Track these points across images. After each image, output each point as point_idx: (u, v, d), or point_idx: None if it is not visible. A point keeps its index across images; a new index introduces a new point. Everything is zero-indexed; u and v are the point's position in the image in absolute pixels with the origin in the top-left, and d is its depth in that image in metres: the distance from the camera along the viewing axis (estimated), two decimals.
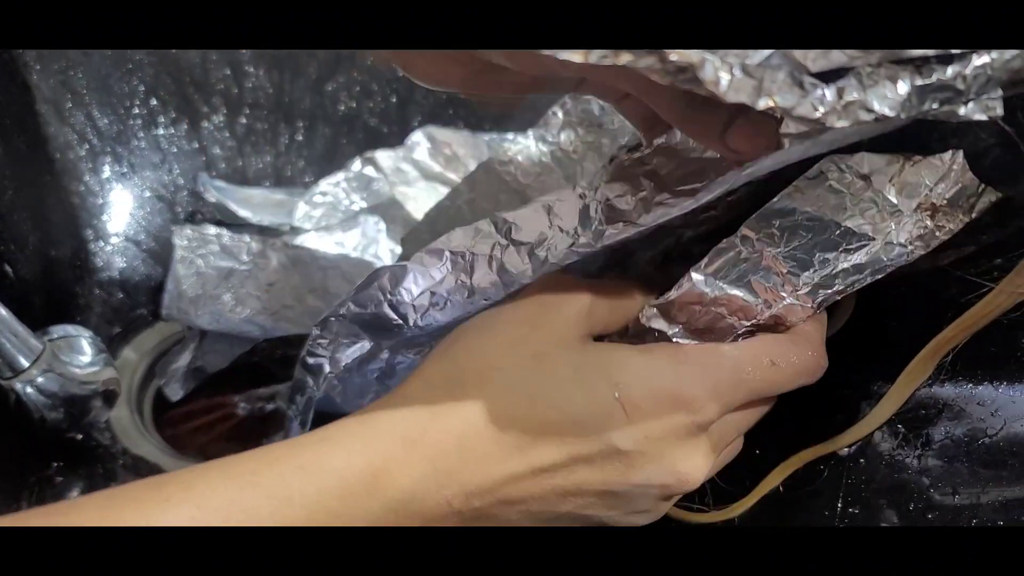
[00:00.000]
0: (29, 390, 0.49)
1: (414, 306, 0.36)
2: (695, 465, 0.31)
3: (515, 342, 0.32)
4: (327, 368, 0.39)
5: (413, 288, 0.35)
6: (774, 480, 0.37)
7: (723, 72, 0.23)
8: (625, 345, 0.33)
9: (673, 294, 0.32)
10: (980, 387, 0.35)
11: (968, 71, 0.26)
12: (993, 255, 0.34)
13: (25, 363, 0.48)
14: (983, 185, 0.31)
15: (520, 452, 0.30)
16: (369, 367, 0.41)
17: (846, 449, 0.36)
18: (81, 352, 0.53)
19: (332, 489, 0.28)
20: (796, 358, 0.32)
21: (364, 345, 0.39)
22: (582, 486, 0.31)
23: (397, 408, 0.31)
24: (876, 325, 0.39)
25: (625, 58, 0.21)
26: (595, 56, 0.21)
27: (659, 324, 0.33)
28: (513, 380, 0.31)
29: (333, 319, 0.39)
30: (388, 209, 0.66)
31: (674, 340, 0.33)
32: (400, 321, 0.37)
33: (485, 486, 0.30)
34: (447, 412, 0.30)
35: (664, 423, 0.30)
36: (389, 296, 0.36)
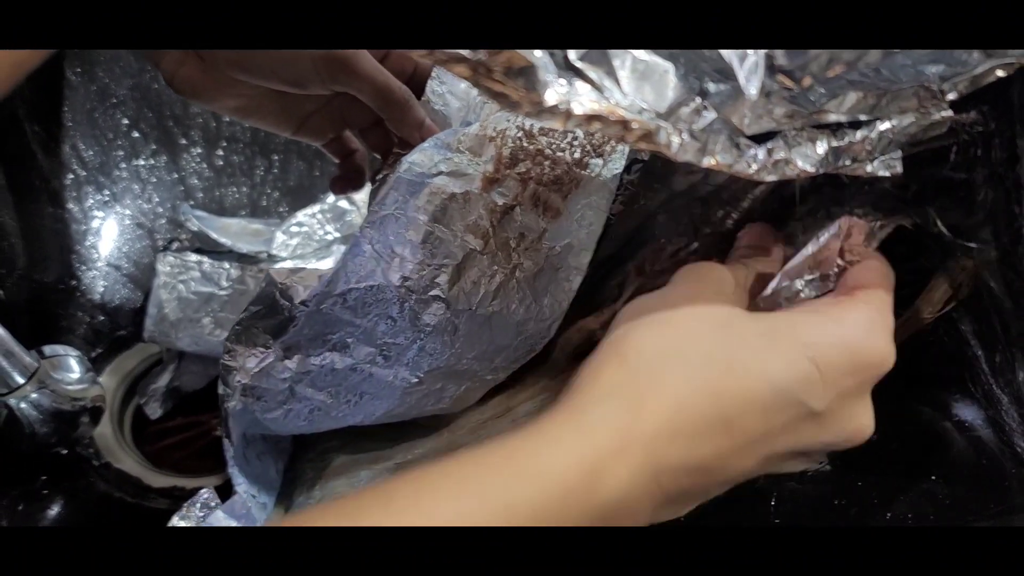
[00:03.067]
0: (23, 406, 0.52)
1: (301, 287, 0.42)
2: (870, 417, 0.32)
3: (695, 319, 0.32)
4: (238, 377, 0.43)
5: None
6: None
7: (674, 136, 0.28)
8: (794, 310, 0.34)
9: (802, 256, 0.35)
10: (887, 406, 0.40)
11: (873, 135, 0.31)
12: (902, 287, 0.39)
13: (20, 380, 0.51)
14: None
15: (726, 426, 0.30)
16: (278, 375, 0.44)
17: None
18: (70, 370, 0.55)
19: (553, 491, 0.28)
20: (891, 276, 0.35)
21: (269, 355, 0.43)
22: (778, 450, 0.31)
23: (605, 401, 0.30)
24: None
25: (596, 125, 0.26)
26: (572, 123, 0.26)
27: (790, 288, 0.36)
28: (708, 353, 0.30)
29: (239, 327, 0.44)
30: None
31: (802, 296, 0.35)
32: (287, 303, 0.42)
33: (693, 464, 0.30)
34: (653, 396, 0.30)
35: (856, 379, 0.31)
36: (280, 286, 0.42)
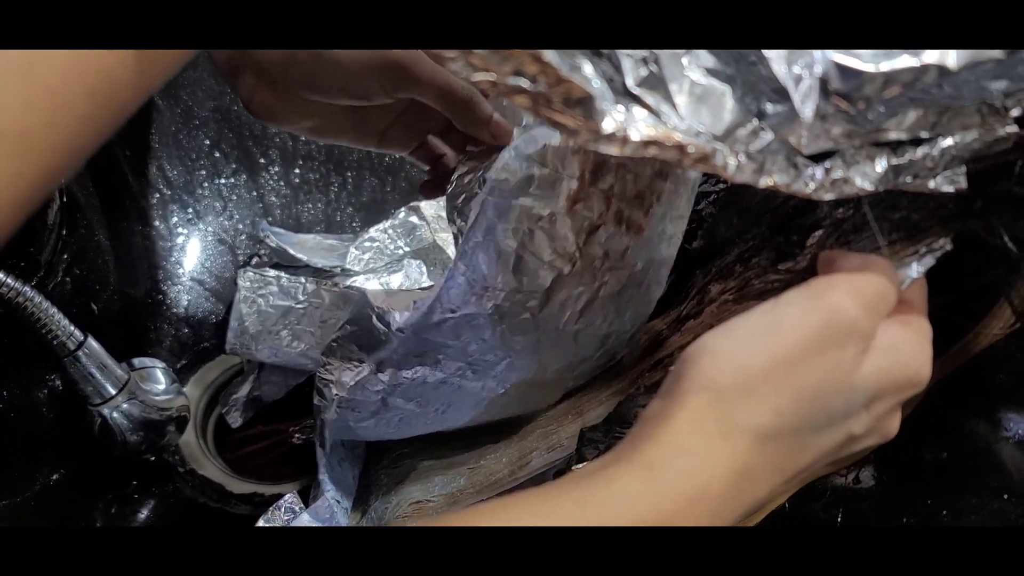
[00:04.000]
0: (115, 415, 0.55)
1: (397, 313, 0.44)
2: (897, 422, 0.34)
3: (790, 379, 0.31)
4: (334, 390, 0.45)
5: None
6: (780, 497, 0.41)
7: (731, 158, 0.28)
8: (878, 354, 0.32)
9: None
10: (963, 415, 0.40)
11: (935, 151, 0.31)
12: (972, 300, 0.39)
13: (112, 391, 0.54)
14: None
15: (781, 472, 0.32)
16: (372, 387, 0.46)
17: (844, 469, 0.40)
18: (157, 381, 0.59)
19: None
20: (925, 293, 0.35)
21: (363, 368, 0.45)
22: (818, 469, 0.33)
23: (674, 454, 0.30)
24: None
25: (653, 150, 0.27)
26: (629, 149, 0.27)
27: None
28: (787, 419, 0.31)
29: (334, 343, 0.46)
30: (430, 253, 0.72)
31: None
32: (383, 327, 0.44)
33: (752, 506, 0.32)
34: (726, 461, 0.30)
35: (893, 401, 0.33)
36: (376, 310, 0.44)
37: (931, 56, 0.27)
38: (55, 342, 0.51)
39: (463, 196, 0.45)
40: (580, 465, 0.45)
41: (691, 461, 0.30)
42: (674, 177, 0.42)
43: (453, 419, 0.49)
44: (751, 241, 0.44)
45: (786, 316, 0.31)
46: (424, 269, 0.72)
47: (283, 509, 0.50)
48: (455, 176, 0.47)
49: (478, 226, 0.42)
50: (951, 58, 0.27)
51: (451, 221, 0.45)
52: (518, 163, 0.41)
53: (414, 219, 0.72)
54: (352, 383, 0.46)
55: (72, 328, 0.52)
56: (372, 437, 0.51)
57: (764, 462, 0.31)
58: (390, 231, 0.72)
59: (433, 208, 0.73)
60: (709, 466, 0.30)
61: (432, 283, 0.71)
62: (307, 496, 0.53)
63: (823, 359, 0.31)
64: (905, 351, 0.32)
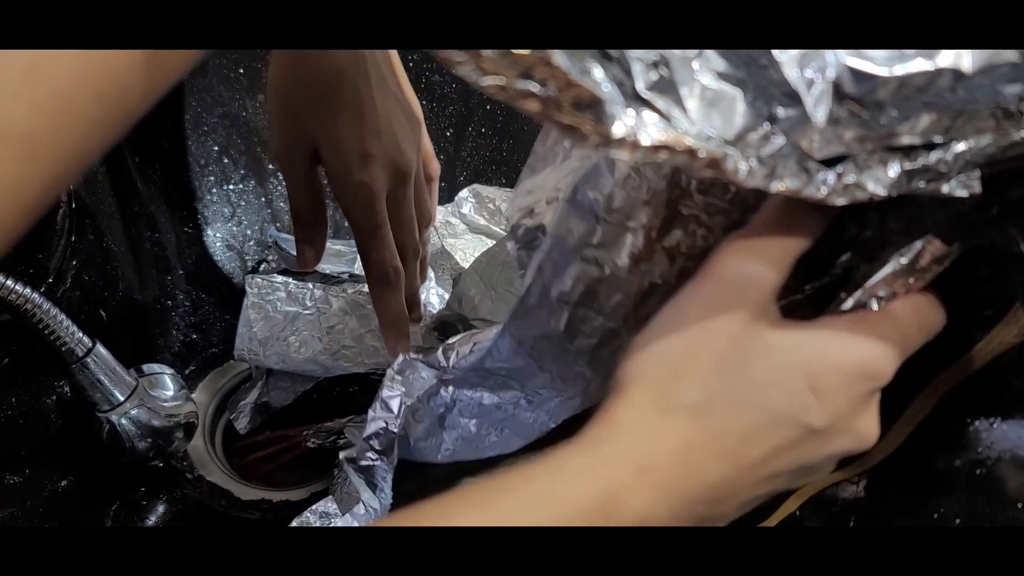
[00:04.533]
0: (123, 422, 0.55)
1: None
2: (873, 425, 0.33)
3: (706, 353, 0.32)
4: (406, 401, 0.46)
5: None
6: (791, 505, 0.41)
7: (742, 163, 0.28)
8: (813, 328, 0.33)
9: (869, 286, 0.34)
10: (976, 422, 0.39)
11: (949, 156, 0.31)
12: (984, 307, 0.39)
13: (121, 397, 0.54)
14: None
15: (731, 456, 0.32)
16: (436, 402, 0.47)
17: (856, 477, 0.40)
18: (166, 388, 0.59)
19: (568, 517, 0.30)
20: (933, 319, 0.35)
21: (430, 379, 0.46)
22: (783, 468, 0.33)
23: (619, 433, 0.32)
24: None
25: (663, 155, 0.27)
26: (639, 154, 0.26)
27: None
28: (714, 393, 0.32)
29: (403, 361, 0.47)
30: (437, 259, 0.72)
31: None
32: (444, 363, 0.47)
33: (704, 495, 0.32)
34: (663, 434, 0.32)
35: (851, 395, 0.32)
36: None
37: (945, 59, 0.27)
38: (64, 348, 0.51)
39: (525, 228, 0.44)
40: None
41: (633, 437, 0.32)
42: None
43: (506, 445, 0.50)
44: None
45: (685, 293, 0.34)
46: (432, 274, 0.72)
47: (318, 513, 0.51)
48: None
49: (533, 289, 0.41)
50: (966, 61, 0.27)
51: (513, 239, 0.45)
52: (580, 218, 0.39)
53: None
54: (420, 392, 0.48)
55: (80, 334, 0.52)
56: (428, 457, 0.52)
57: (706, 439, 0.32)
58: None
59: (440, 214, 0.73)
60: (650, 440, 0.31)
61: (442, 290, 0.71)
62: (311, 503, 0.53)
63: (726, 319, 0.32)
64: (857, 343, 0.32)
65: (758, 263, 0.33)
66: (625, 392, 0.33)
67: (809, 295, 0.37)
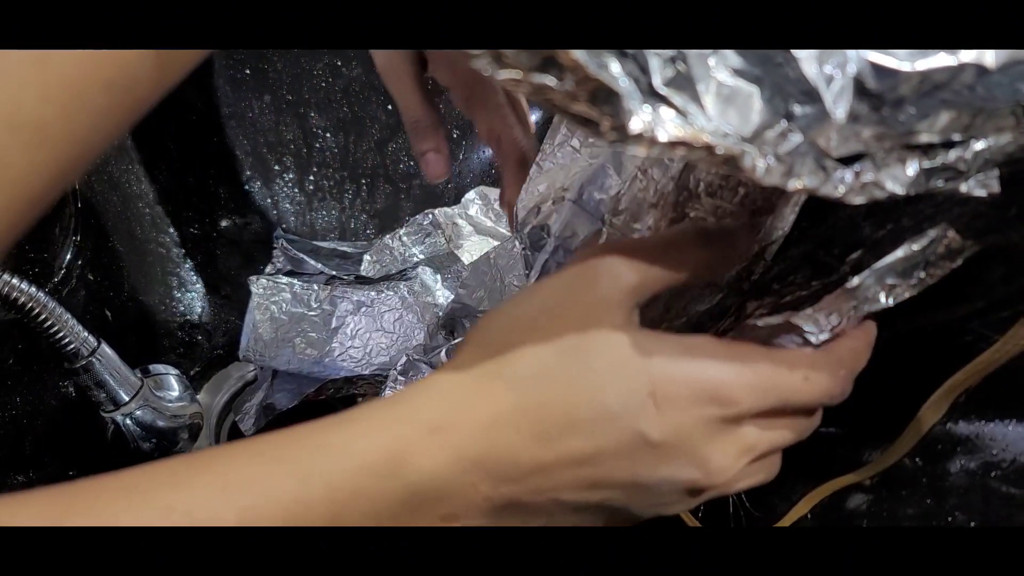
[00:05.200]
0: (128, 422, 0.55)
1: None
2: (725, 462, 0.31)
3: (550, 332, 0.31)
4: None
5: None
6: (803, 508, 0.40)
7: (759, 160, 0.28)
8: (669, 336, 0.32)
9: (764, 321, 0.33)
10: (991, 424, 0.39)
11: (968, 154, 0.30)
12: (1000, 309, 0.38)
13: (126, 397, 0.54)
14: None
15: (548, 442, 0.30)
16: None
17: (869, 480, 0.40)
18: (171, 388, 0.58)
19: (353, 469, 0.28)
20: (824, 380, 0.32)
21: None
22: (612, 476, 0.30)
23: (424, 393, 0.31)
24: (896, 369, 0.43)
25: (680, 151, 0.26)
26: (656, 150, 0.26)
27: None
28: (546, 370, 0.30)
29: (406, 361, 0.46)
30: (444, 261, 0.72)
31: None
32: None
33: (512, 474, 0.30)
34: (474, 399, 0.30)
35: (695, 415, 0.30)
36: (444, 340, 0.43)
37: (969, 55, 0.27)
38: (69, 348, 0.51)
39: (531, 226, 0.43)
40: None
41: (436, 397, 0.30)
42: (757, 232, 0.40)
43: None
44: (791, 260, 0.44)
45: (553, 276, 0.32)
46: (438, 277, 0.71)
47: None
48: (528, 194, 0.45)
49: None
50: (989, 57, 0.27)
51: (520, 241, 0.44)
52: (585, 215, 0.38)
53: (428, 227, 0.72)
54: None
55: (86, 334, 0.52)
56: None
57: (520, 416, 0.30)
58: (404, 238, 0.72)
59: (447, 216, 0.73)
60: (455, 400, 0.30)
61: (448, 291, 0.71)
62: None
63: (580, 304, 0.31)
64: (712, 363, 0.30)
65: (629, 268, 0.31)
66: (457, 352, 0.32)
67: (816, 290, 0.37)
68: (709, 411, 0.30)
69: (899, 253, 0.34)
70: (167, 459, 0.28)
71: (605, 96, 0.25)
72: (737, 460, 0.31)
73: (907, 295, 0.34)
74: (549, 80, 0.25)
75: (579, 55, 0.24)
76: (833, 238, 0.37)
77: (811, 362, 0.32)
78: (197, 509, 0.27)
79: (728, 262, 0.34)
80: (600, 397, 0.30)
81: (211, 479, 0.27)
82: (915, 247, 0.34)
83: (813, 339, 0.33)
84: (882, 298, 0.34)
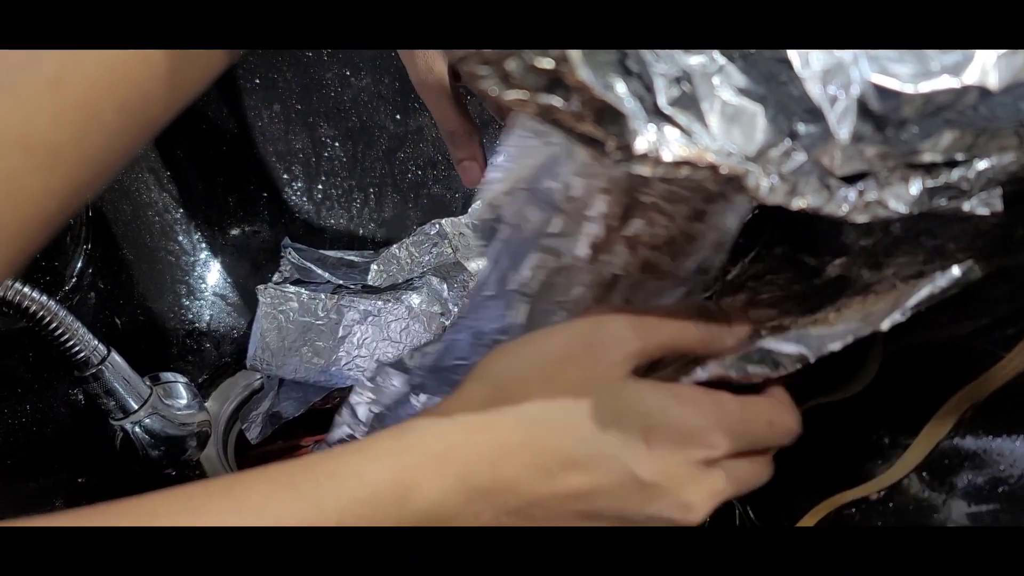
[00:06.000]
0: (137, 430, 0.55)
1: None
2: (701, 501, 0.33)
3: (558, 379, 0.33)
4: (373, 409, 0.46)
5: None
6: (809, 522, 0.41)
7: (763, 179, 0.28)
8: (662, 386, 0.34)
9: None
10: (999, 440, 0.39)
11: (971, 174, 0.30)
12: (1006, 326, 0.38)
13: (135, 405, 0.54)
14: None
15: (549, 479, 0.32)
16: (405, 410, 0.46)
17: (876, 494, 0.40)
18: (179, 396, 0.59)
19: (362, 497, 0.30)
20: (787, 421, 0.36)
21: (402, 387, 0.46)
22: (601, 512, 0.33)
23: (433, 424, 0.32)
24: (903, 384, 0.43)
25: (685, 171, 0.27)
26: (661, 169, 0.26)
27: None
28: (551, 414, 0.32)
29: (376, 368, 0.48)
30: (451, 271, 0.72)
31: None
32: (409, 364, 0.46)
33: (513, 506, 0.32)
34: (481, 433, 0.32)
35: (683, 458, 0.33)
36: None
37: (972, 76, 0.27)
38: (79, 356, 0.52)
39: (485, 222, 0.44)
40: None
41: (445, 427, 0.32)
42: (712, 221, 0.40)
43: None
44: (773, 259, 0.44)
45: (564, 327, 0.34)
46: (445, 286, 0.71)
47: None
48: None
49: (490, 279, 0.41)
50: (992, 78, 0.27)
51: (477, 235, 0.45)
52: (537, 207, 0.39)
53: (436, 236, 0.72)
54: (390, 401, 0.47)
55: (96, 342, 0.52)
56: None
57: (526, 451, 0.32)
58: (412, 248, 0.72)
59: (454, 226, 0.73)
60: (464, 433, 0.32)
61: (452, 301, 0.71)
62: None
63: (588, 358, 0.33)
64: (690, 397, 0.33)
65: (635, 335, 0.34)
66: (463, 387, 0.34)
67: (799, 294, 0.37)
68: (695, 454, 0.33)
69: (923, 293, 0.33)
70: (184, 485, 0.30)
71: (611, 116, 0.26)
72: (711, 499, 0.34)
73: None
74: (555, 100, 0.25)
75: (585, 75, 0.25)
76: (818, 241, 0.37)
77: (773, 409, 0.35)
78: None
79: (723, 341, 0.36)
80: (599, 438, 0.32)
81: (226, 505, 0.29)
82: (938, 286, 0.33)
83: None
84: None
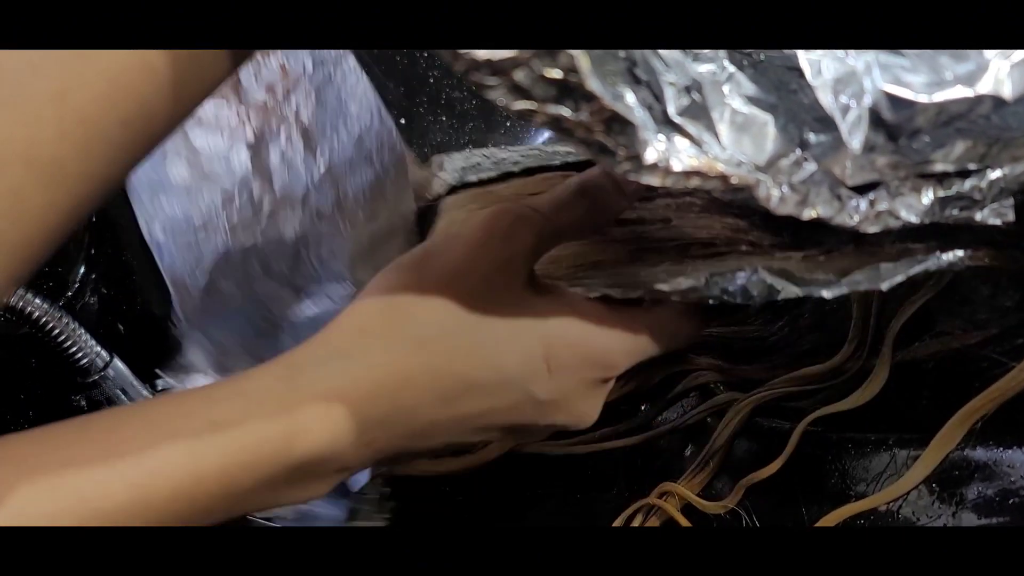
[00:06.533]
0: None
1: None
2: (595, 409, 0.35)
3: (455, 294, 0.31)
4: None
5: None
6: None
7: (774, 190, 0.28)
8: (563, 300, 0.34)
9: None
10: (1009, 451, 0.38)
11: (983, 184, 0.30)
12: (1015, 336, 0.38)
13: None
14: None
15: (446, 403, 0.31)
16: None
17: (884, 506, 0.39)
18: None
19: (248, 446, 0.29)
20: (687, 329, 0.36)
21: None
22: (495, 424, 0.33)
23: (327, 362, 0.30)
24: (912, 395, 0.42)
25: (695, 181, 0.26)
26: (671, 180, 0.26)
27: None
28: (451, 334, 0.31)
29: None
30: None
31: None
32: None
33: (409, 431, 0.32)
34: (384, 364, 0.31)
35: (581, 377, 0.33)
36: None
37: (986, 86, 0.27)
38: (82, 362, 0.51)
39: None
40: None
41: (338, 363, 0.30)
42: None
43: None
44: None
45: (457, 228, 0.33)
46: None
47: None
48: None
49: None
50: (1007, 88, 0.27)
51: None
52: None
53: None
54: None
55: (99, 348, 0.52)
56: None
57: (427, 377, 0.31)
58: None
59: None
60: (359, 368, 0.30)
61: None
62: None
63: (486, 265, 0.32)
64: (594, 315, 0.33)
65: (526, 230, 0.32)
66: (359, 306, 0.32)
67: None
68: (594, 373, 0.34)
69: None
70: (56, 424, 0.29)
71: (620, 126, 0.25)
72: (598, 408, 0.35)
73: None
74: (565, 111, 0.25)
75: (594, 86, 0.24)
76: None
77: (673, 319, 0.35)
78: (86, 485, 0.27)
79: (609, 210, 0.35)
80: (499, 362, 0.32)
81: (102, 451, 0.27)
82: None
83: None
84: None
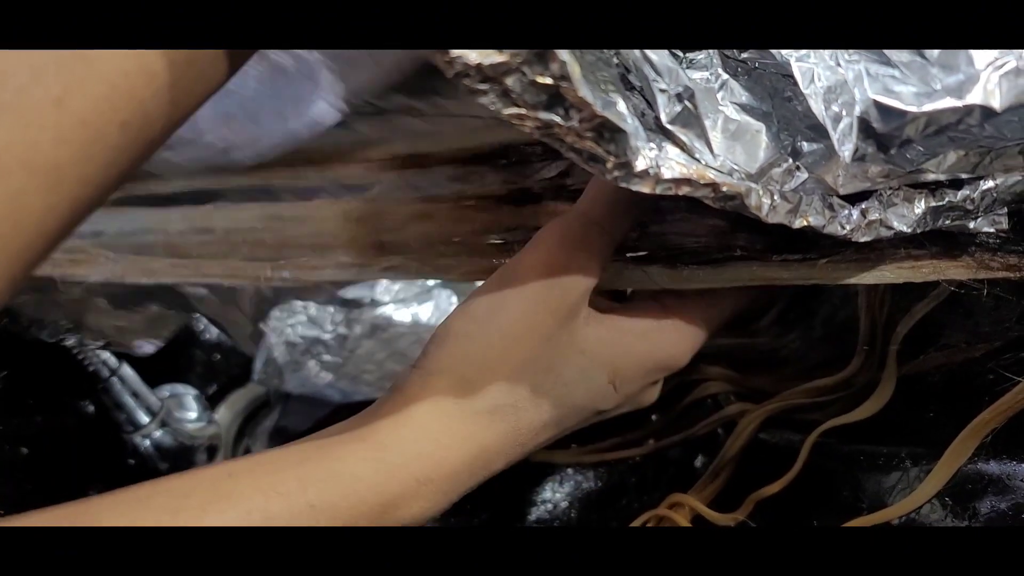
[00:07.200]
0: (147, 443, 0.55)
1: None
2: (653, 396, 0.37)
3: (520, 357, 0.32)
4: None
5: None
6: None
7: (765, 198, 0.28)
8: (622, 323, 0.34)
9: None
10: (1022, 465, 0.38)
11: (976, 194, 0.30)
12: (1018, 349, 0.38)
13: (145, 419, 0.55)
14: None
15: (521, 448, 0.33)
16: None
17: (896, 520, 0.39)
18: (189, 409, 0.59)
19: (342, 520, 0.29)
20: (731, 307, 0.37)
21: None
22: (556, 435, 0.35)
23: (412, 443, 0.31)
24: (920, 408, 0.42)
25: (685, 189, 0.26)
26: (662, 187, 0.26)
27: None
28: (523, 397, 0.32)
29: None
30: (459, 284, 0.72)
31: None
32: None
33: (484, 479, 0.33)
34: (461, 441, 0.32)
35: (646, 382, 0.35)
36: None
37: (975, 96, 0.27)
38: (90, 368, 0.52)
39: None
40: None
41: (425, 445, 0.31)
42: None
43: None
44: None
45: (506, 280, 0.32)
46: (454, 299, 0.72)
47: None
48: None
49: None
50: (996, 99, 0.27)
51: None
52: None
53: None
54: None
55: (107, 354, 0.52)
56: None
57: (502, 441, 0.33)
58: None
59: None
60: (443, 448, 0.31)
61: None
62: None
63: (544, 317, 0.32)
64: (651, 330, 0.34)
65: (583, 259, 0.32)
66: (429, 382, 0.32)
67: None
68: (658, 376, 0.36)
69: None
70: (167, 479, 0.30)
71: (611, 134, 0.25)
72: (658, 391, 0.37)
73: None
74: (555, 117, 0.25)
75: (585, 93, 0.25)
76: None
77: (712, 304, 0.36)
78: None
79: (633, 212, 0.35)
80: (569, 401, 0.33)
81: (212, 512, 0.28)
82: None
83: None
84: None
